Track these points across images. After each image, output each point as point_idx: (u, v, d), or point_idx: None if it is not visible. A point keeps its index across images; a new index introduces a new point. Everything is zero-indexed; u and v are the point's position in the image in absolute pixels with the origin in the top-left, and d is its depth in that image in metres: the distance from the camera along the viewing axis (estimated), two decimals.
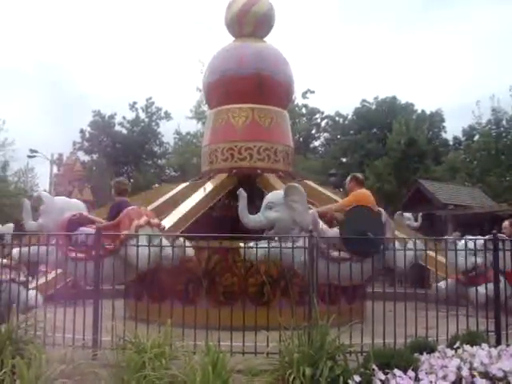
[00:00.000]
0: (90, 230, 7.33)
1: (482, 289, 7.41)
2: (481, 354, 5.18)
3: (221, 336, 5.87)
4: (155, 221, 7.65)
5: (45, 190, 28.98)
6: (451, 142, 41.91)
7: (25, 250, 6.80)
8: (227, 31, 13.98)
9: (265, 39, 13.75)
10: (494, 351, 5.31)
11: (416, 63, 66.47)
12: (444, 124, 42.61)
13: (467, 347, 5.41)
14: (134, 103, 47.11)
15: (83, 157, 43.09)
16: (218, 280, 8.95)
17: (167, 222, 9.69)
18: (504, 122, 33.49)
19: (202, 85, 15.02)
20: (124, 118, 47.11)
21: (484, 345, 5.48)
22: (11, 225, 8.87)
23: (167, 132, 46.53)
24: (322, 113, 46.22)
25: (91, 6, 71.99)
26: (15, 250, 7.22)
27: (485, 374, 4.88)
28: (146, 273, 9.09)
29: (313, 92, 43.03)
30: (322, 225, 7.45)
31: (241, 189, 7.39)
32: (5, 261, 7.18)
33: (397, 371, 4.92)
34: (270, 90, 12.61)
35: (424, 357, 5.36)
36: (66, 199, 8.21)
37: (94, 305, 6.46)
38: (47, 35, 71.35)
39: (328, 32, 68.73)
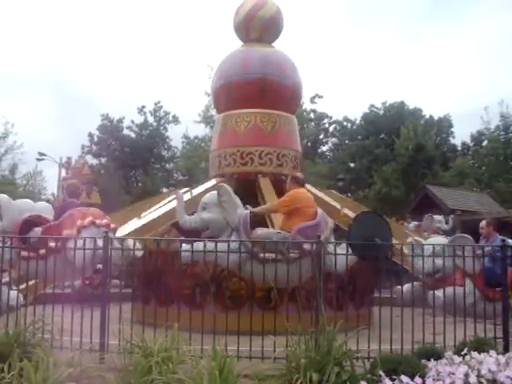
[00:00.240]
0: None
1: (447, 291, 7.16)
2: (489, 361, 5.15)
3: (228, 340, 5.88)
4: (102, 221, 7.75)
5: (53, 193, 29.15)
6: (459, 148, 41.80)
7: None
8: (235, 36, 14.04)
9: (273, 44, 13.78)
10: (502, 358, 5.28)
11: (424, 68, 66.35)
12: (452, 129, 42.53)
13: (475, 354, 5.39)
14: (143, 107, 47.25)
15: (91, 160, 43.17)
16: (225, 284, 8.95)
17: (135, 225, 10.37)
18: None
19: (210, 89, 15.11)
20: (132, 121, 47.24)
21: (492, 352, 5.46)
22: None
23: (175, 136, 46.67)
24: (330, 118, 46.19)
25: (100, 8, 72.31)
26: None
27: (493, 382, 4.86)
28: (152, 277, 9.17)
29: (321, 97, 43.03)
30: (270, 227, 7.42)
31: (178, 191, 7.57)
32: None
33: (404, 377, 4.90)
34: (274, 95, 12.61)
35: (431, 363, 5.33)
36: (28, 201, 8.33)
37: (101, 308, 6.47)
38: (56, 38, 71.70)
39: (336, 37, 68.86)
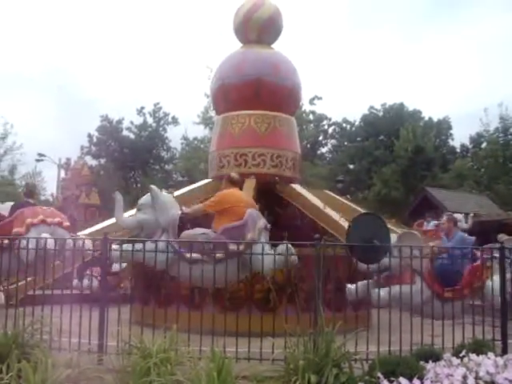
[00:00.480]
0: None
1: (392, 290, 7.01)
2: (487, 363, 5.16)
3: (226, 342, 5.88)
4: (54, 220, 8.05)
5: (52, 194, 29.14)
6: (458, 150, 41.89)
7: None
8: (236, 37, 14.04)
9: (274, 45, 13.73)
10: (501, 360, 5.28)
11: (424, 69, 66.45)
12: (451, 131, 42.66)
13: (473, 356, 5.39)
14: (142, 108, 47.33)
15: (91, 161, 43.20)
16: (223, 286, 8.93)
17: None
18: None
19: (209, 91, 15.11)
20: (132, 122, 47.32)
21: (490, 354, 5.46)
22: None
23: (174, 137, 46.75)
24: (330, 119, 46.27)
25: (99, 10, 72.37)
26: None
27: None
28: (152, 278, 9.16)
29: (320, 98, 42.99)
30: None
31: (116, 192, 7.69)
32: None
33: (402, 379, 4.90)
34: (270, 96, 12.52)
35: (429, 365, 5.33)
36: None
37: (99, 309, 6.48)
38: (55, 39, 71.71)
39: (336, 38, 68.87)
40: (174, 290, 8.39)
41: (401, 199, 31.61)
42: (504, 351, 6.34)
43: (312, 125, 45.22)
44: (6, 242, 7.28)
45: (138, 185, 44.73)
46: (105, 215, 16.79)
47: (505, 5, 56.07)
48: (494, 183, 30.97)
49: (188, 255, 6.82)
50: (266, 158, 12.33)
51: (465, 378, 4.89)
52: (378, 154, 39.27)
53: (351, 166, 42.59)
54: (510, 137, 33.53)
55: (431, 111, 56.49)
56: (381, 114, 44.13)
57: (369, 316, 8.00)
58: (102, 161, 45.98)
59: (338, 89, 65.40)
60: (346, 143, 45.13)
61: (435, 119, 41.67)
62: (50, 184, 45.60)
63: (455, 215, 15.69)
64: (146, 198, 7.60)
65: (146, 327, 6.37)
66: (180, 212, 7.54)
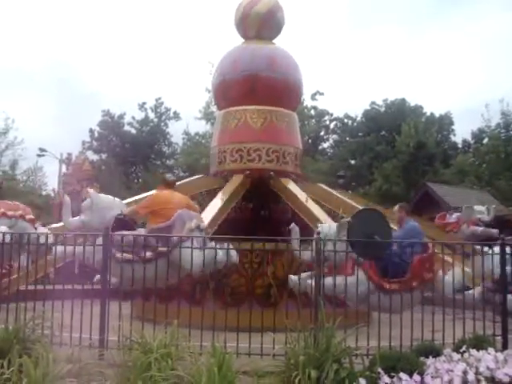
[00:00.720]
0: None
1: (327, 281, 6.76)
2: (487, 358, 5.16)
3: (227, 337, 5.90)
4: (16, 213, 8.58)
5: (53, 189, 29.14)
6: (460, 145, 41.83)
7: None
8: (237, 33, 14.01)
9: (275, 40, 13.66)
10: (501, 356, 5.29)
11: (426, 65, 66.27)
12: (453, 127, 42.57)
13: (473, 351, 5.40)
14: (144, 103, 47.30)
15: (92, 156, 43.17)
16: (225, 281, 8.96)
17: None
18: None
19: (211, 86, 15.12)
20: (133, 117, 47.29)
21: (490, 349, 5.47)
22: None
23: (176, 132, 46.67)
24: (331, 115, 46.21)
25: (101, 4, 72.26)
26: None
27: (491, 379, 4.87)
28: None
29: (322, 94, 42.96)
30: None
31: (65, 195, 7.92)
32: None
33: (402, 375, 4.91)
34: (266, 91, 12.47)
35: (430, 360, 5.34)
36: None
37: (100, 305, 6.49)
38: (57, 34, 71.60)
39: (338, 33, 68.75)
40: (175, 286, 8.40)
41: (402, 195, 31.52)
42: (504, 346, 6.36)
43: (313, 120, 45.17)
44: None
45: (140, 180, 44.72)
46: None
47: (507, 2, 55.90)
48: (496, 179, 30.93)
49: (118, 255, 6.99)
50: (261, 153, 12.30)
51: (465, 373, 4.89)
52: (379, 150, 39.23)
53: (352, 162, 42.55)
54: (511, 132, 33.48)
55: (433, 107, 56.49)
56: (382, 109, 44.04)
57: (369, 311, 8.01)
58: (104, 156, 45.96)
59: (340, 84, 65.30)
60: (347, 138, 45.08)
61: (437, 115, 41.58)
62: (51, 179, 45.55)
63: (475, 207, 15.51)
64: (87, 201, 7.88)
65: (147, 322, 6.39)
66: (116, 213, 7.70)
